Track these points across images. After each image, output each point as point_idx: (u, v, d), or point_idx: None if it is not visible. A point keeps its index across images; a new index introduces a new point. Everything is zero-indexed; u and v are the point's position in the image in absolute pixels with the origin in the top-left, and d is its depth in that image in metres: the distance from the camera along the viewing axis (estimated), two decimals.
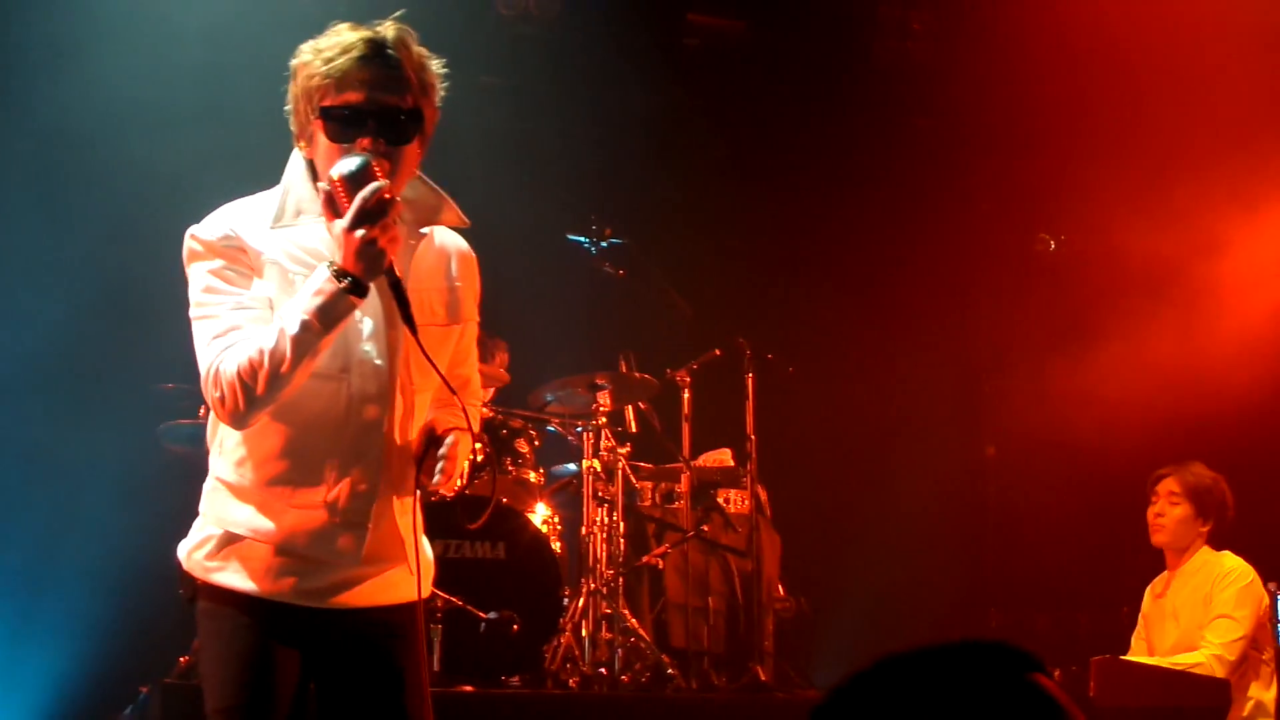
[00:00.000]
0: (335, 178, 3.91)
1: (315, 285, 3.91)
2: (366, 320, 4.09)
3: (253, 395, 3.91)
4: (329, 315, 3.89)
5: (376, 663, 4.19)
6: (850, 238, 11.92)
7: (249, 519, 4.09)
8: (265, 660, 4.09)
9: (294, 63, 4.13)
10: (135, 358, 9.65)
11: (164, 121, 9.96)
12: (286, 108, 4.17)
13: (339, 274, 3.88)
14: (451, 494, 4.24)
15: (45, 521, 9.73)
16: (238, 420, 3.99)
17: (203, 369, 4.00)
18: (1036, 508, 11.75)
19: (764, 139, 11.97)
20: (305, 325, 3.87)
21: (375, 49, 4.03)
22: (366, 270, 3.88)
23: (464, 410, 4.22)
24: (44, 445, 9.76)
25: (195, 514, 4.24)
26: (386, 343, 4.10)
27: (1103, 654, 8.12)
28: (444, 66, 4.20)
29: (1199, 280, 10.41)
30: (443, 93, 4.20)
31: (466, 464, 4.29)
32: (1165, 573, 8.32)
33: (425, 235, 4.25)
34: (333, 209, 3.94)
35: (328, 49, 4.05)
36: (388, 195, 3.88)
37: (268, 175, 4.29)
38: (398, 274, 3.98)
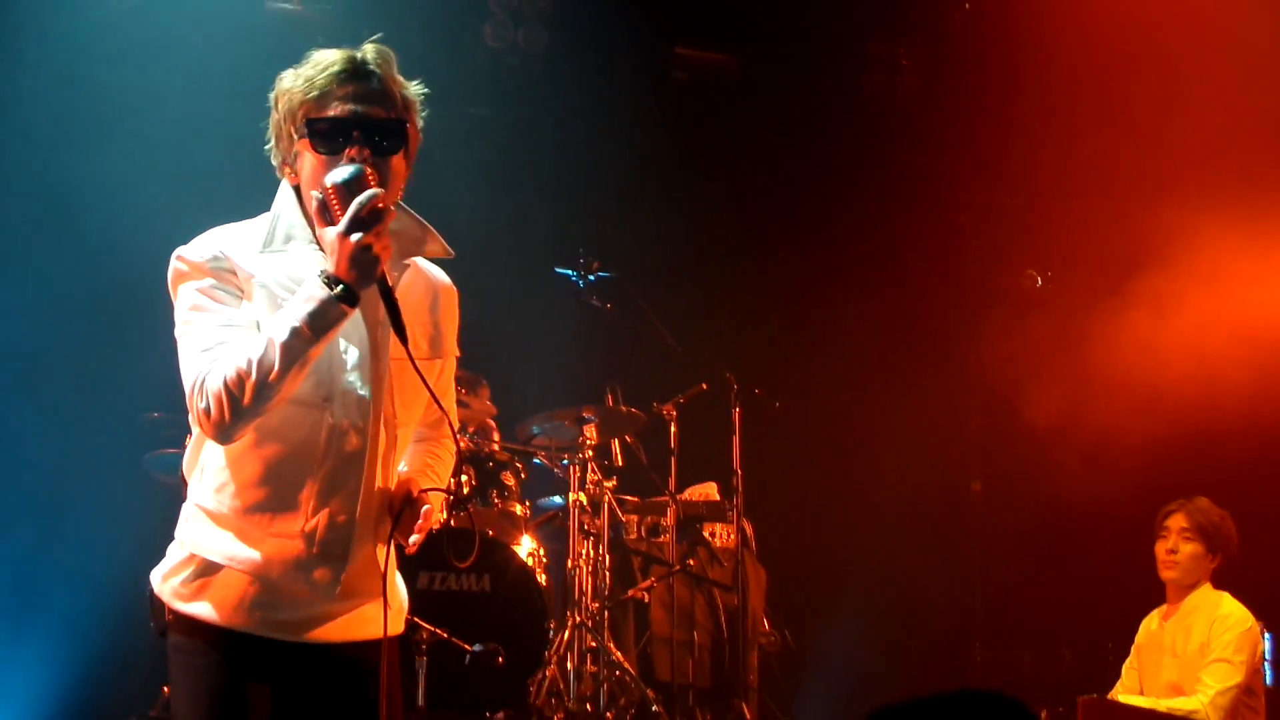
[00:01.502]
0: (329, 185, 3.90)
1: (306, 293, 3.86)
2: (352, 350, 4.04)
3: (239, 406, 3.82)
4: (319, 322, 3.83)
5: (349, 700, 4.14)
6: (838, 272, 11.92)
7: (226, 546, 4.02)
8: (236, 698, 4.03)
9: (274, 92, 4.12)
10: (121, 386, 9.64)
11: (153, 145, 9.99)
12: (267, 144, 4.18)
13: (331, 280, 3.84)
14: (412, 551, 4.18)
15: (28, 552, 9.69)
16: (223, 433, 3.89)
17: (188, 382, 3.93)
18: (1021, 543, 11.72)
19: (752, 173, 11.97)
20: (295, 332, 3.80)
21: (356, 65, 4.05)
22: (359, 277, 3.83)
23: (439, 459, 4.34)
24: (28, 474, 9.74)
25: None
26: (371, 374, 4.04)
27: (1088, 692, 8.09)
28: (431, 98, 4.21)
29: (1188, 315, 10.42)
30: (423, 117, 4.20)
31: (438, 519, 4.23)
32: (1164, 606, 8.30)
33: (409, 267, 4.22)
34: (325, 218, 3.93)
35: (308, 69, 4.07)
36: (381, 204, 3.85)
37: (255, 202, 4.27)
38: (389, 284, 3.94)
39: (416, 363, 4.04)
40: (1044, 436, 11.32)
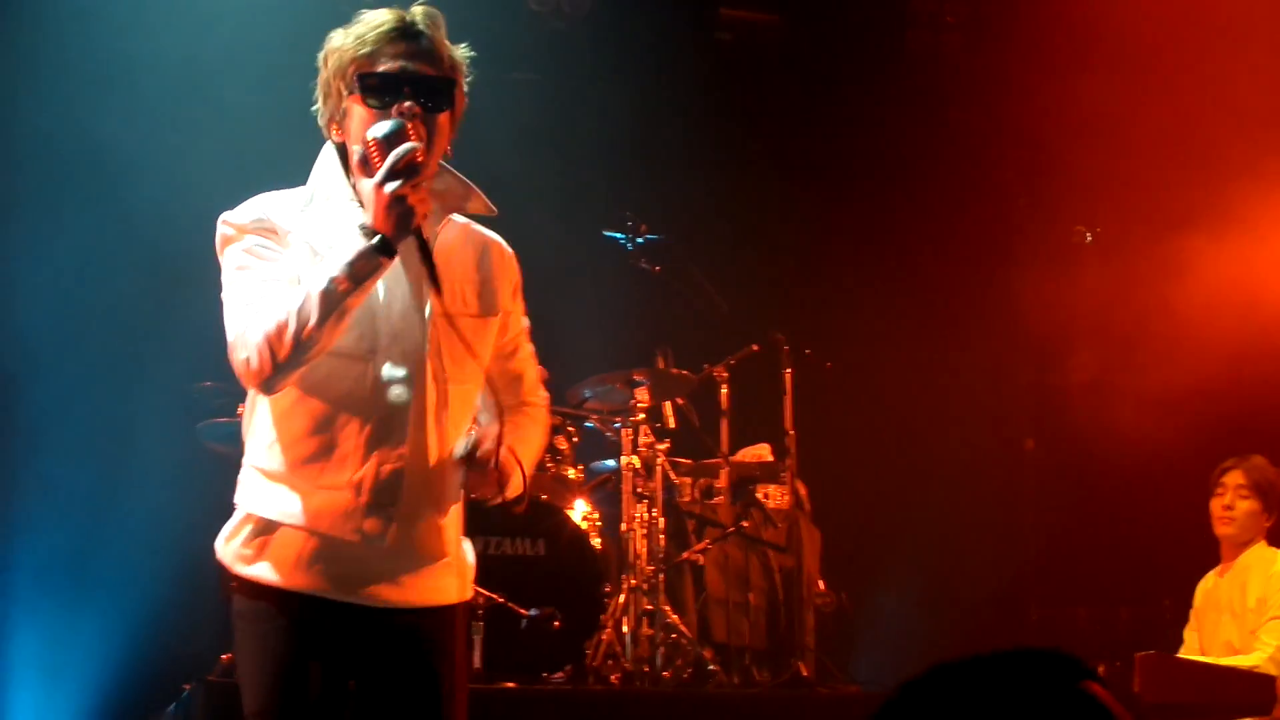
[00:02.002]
0: (370, 139, 3.97)
1: (344, 245, 3.92)
2: (395, 304, 4.10)
3: (278, 356, 3.89)
4: (356, 273, 3.87)
5: (413, 669, 4.15)
6: (886, 231, 11.87)
7: (279, 502, 4.09)
8: (300, 664, 4.06)
9: (323, 51, 4.19)
10: (174, 356, 9.67)
11: (200, 112, 10.02)
12: (314, 104, 4.24)
13: (368, 232, 3.90)
14: (496, 500, 4.20)
15: (88, 518, 9.75)
16: (265, 384, 3.97)
17: (230, 336, 4.00)
18: (1076, 501, 11.69)
19: (798, 133, 11.94)
20: (333, 282, 3.86)
21: (406, 25, 4.12)
22: (396, 227, 3.88)
23: (521, 425, 4.35)
24: (83, 445, 9.78)
25: (232, 513, 4.24)
26: (416, 327, 4.11)
27: (1145, 648, 8.08)
28: (477, 63, 4.29)
29: (1238, 270, 10.35)
30: (469, 82, 4.25)
31: (520, 471, 4.20)
32: (1219, 566, 8.27)
33: (457, 225, 4.27)
34: (366, 170, 4.01)
35: (359, 27, 4.13)
36: (420, 158, 3.91)
37: (303, 167, 4.31)
38: (425, 237, 3.98)
39: (466, 319, 4.13)
40: (1097, 393, 11.26)
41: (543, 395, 4.59)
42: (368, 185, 3.95)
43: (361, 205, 4.05)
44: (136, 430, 9.78)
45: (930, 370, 11.67)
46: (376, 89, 4.06)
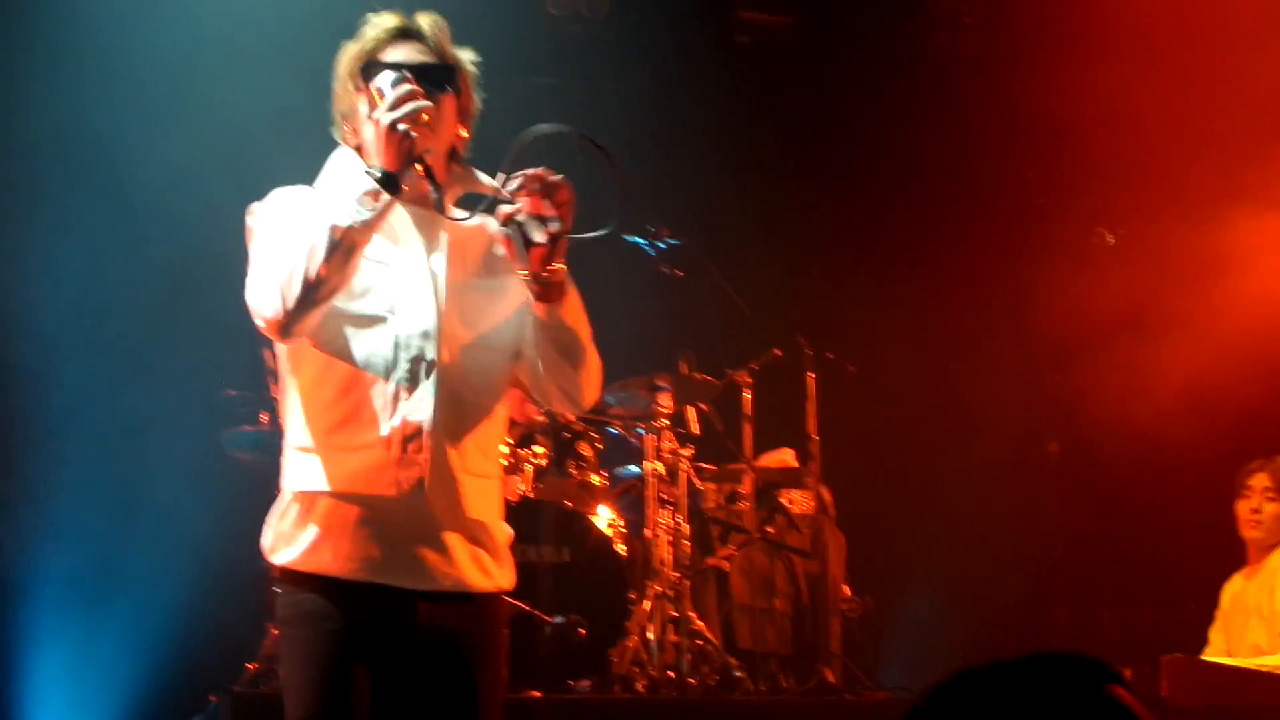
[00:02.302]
0: (373, 88, 4.15)
1: (349, 184, 4.06)
2: (408, 266, 4.23)
3: (291, 297, 3.98)
4: (362, 206, 3.99)
5: (452, 669, 4.18)
6: (907, 233, 11.85)
7: (317, 472, 4.15)
8: (344, 669, 4.09)
9: (338, 60, 4.38)
10: (198, 364, 9.68)
11: (220, 122, 10.02)
12: (332, 110, 4.43)
13: (371, 169, 4.05)
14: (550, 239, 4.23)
15: (112, 528, 9.77)
16: (283, 329, 4.07)
17: (248, 295, 4.14)
18: (1100, 503, 11.67)
19: (818, 135, 11.92)
20: (340, 216, 3.98)
21: (409, 27, 4.35)
22: (398, 156, 4.02)
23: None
24: (107, 452, 9.79)
25: (258, 521, 4.29)
26: (429, 287, 4.23)
27: (1171, 651, 8.07)
28: (496, 68, 4.61)
29: (1263, 269, 10.32)
30: (484, 88, 4.45)
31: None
32: (1245, 568, 8.25)
33: (474, 219, 4.33)
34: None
35: (365, 30, 4.35)
36: (421, 97, 4.08)
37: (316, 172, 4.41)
38: (429, 165, 4.12)
39: (474, 281, 4.32)
40: (1120, 395, 11.21)
41: None
42: (370, 129, 4.13)
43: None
44: (160, 439, 9.80)
45: (954, 373, 11.64)
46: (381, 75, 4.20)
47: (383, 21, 4.34)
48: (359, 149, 4.31)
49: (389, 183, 4.01)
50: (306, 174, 4.44)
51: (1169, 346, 10.70)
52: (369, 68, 4.25)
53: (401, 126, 4.00)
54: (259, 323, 4.11)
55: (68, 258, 9.81)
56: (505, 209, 4.13)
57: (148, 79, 10.06)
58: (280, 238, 4.10)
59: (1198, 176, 10.73)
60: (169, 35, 10.14)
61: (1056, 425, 12.23)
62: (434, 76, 4.23)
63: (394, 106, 4.02)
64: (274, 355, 4.42)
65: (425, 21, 4.34)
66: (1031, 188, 12.21)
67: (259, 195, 4.39)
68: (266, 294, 4.02)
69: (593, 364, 4.55)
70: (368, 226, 4.01)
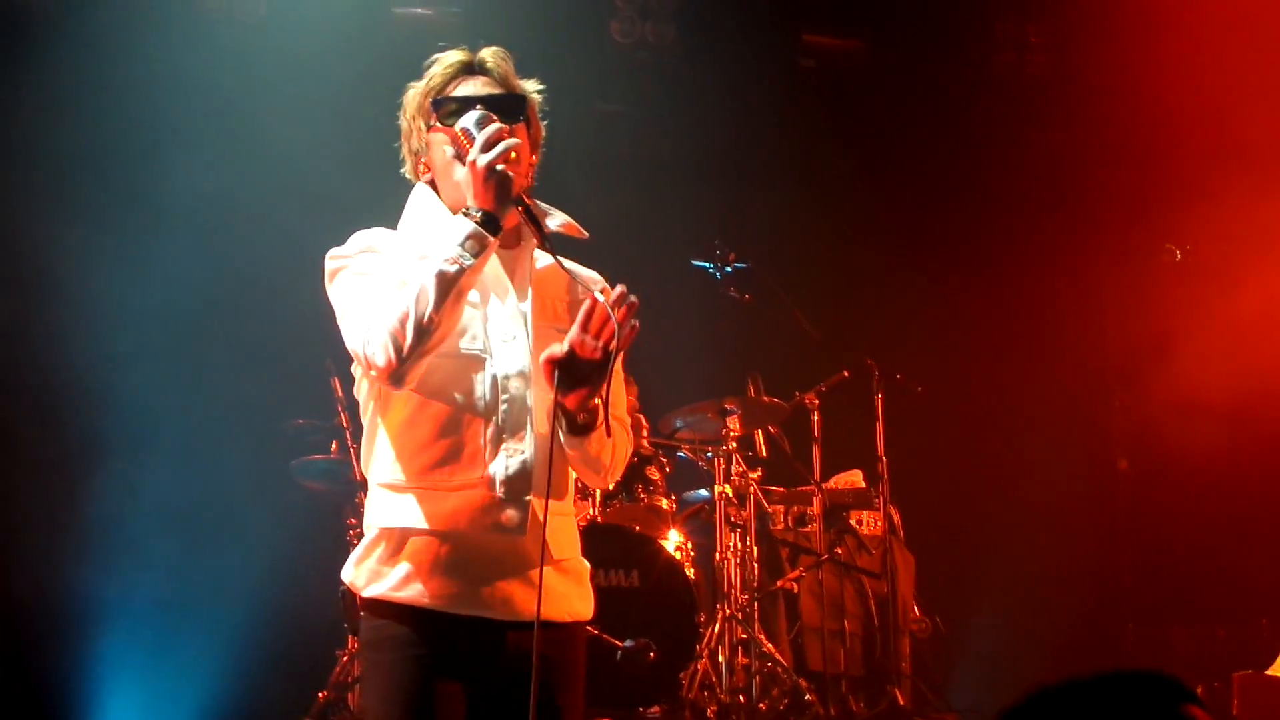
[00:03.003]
0: (457, 129, 4.11)
1: (450, 228, 4.02)
2: (500, 305, 4.19)
3: (403, 346, 3.95)
4: (466, 250, 3.96)
5: (538, 696, 4.07)
6: (974, 253, 11.84)
7: (412, 511, 4.12)
8: (428, 695, 4.07)
9: (404, 98, 4.37)
10: (267, 394, 9.77)
11: (288, 157, 10.12)
12: (401, 153, 4.42)
13: (470, 210, 4.01)
14: (598, 355, 4.05)
15: (182, 560, 9.83)
16: (395, 377, 4.02)
17: (354, 343, 4.08)
18: (1170, 520, 11.62)
19: (884, 158, 11.92)
20: (446, 262, 3.95)
21: (475, 63, 4.34)
22: (496, 197, 3.99)
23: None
24: (178, 482, 9.87)
25: (329, 550, 4.28)
26: (521, 327, 4.19)
27: (1243, 668, 8.03)
28: (562, 96, 4.51)
29: None
30: (549, 114, 4.40)
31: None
32: None
33: (547, 258, 4.27)
34: (461, 161, 4.12)
35: (431, 69, 4.34)
36: (508, 134, 4.04)
37: (392, 208, 4.41)
38: (529, 204, 4.10)
39: (554, 333, 4.17)
40: (1190, 412, 11.18)
41: (627, 439, 4.52)
42: (461, 172, 4.08)
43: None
44: (230, 467, 9.86)
45: (1022, 392, 11.62)
46: (453, 111, 4.23)
47: (448, 57, 4.33)
48: (432, 183, 4.32)
49: (490, 224, 3.99)
50: (377, 210, 4.46)
51: (1239, 361, 10.66)
52: (440, 104, 4.25)
53: (499, 167, 3.98)
54: (368, 372, 4.09)
55: (146, 292, 9.92)
56: (556, 350, 4.04)
57: (216, 114, 10.20)
58: (376, 284, 4.09)
59: (1270, 192, 10.69)
60: (248, 87, 10.32)
61: (1125, 442, 12.21)
62: (506, 108, 4.22)
63: (486, 147, 3.99)
64: (344, 386, 4.39)
65: (490, 54, 4.33)
66: (1099, 205, 12.18)
67: (329, 229, 4.43)
68: (376, 343, 3.98)
69: (616, 467, 4.45)
70: (474, 270, 3.99)
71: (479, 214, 3.99)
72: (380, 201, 4.52)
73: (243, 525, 9.77)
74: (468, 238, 3.97)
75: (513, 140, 4.02)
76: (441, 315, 3.94)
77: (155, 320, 9.92)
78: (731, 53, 11.31)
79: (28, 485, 9.84)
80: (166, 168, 9.96)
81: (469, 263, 3.96)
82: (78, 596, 9.79)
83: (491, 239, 4.00)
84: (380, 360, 3.97)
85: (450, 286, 3.94)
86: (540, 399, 4.16)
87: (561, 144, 4.44)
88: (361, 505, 4.34)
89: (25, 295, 9.89)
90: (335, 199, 9.33)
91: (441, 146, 4.25)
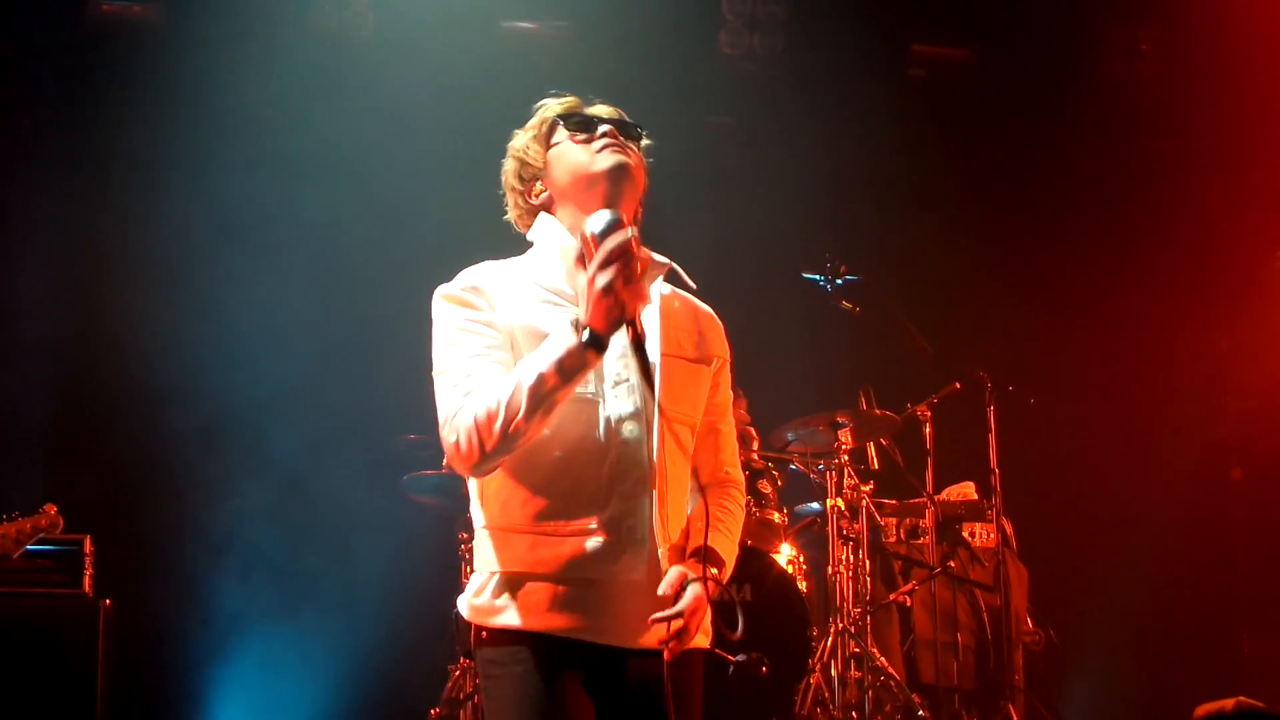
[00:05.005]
0: (586, 234, 3.89)
1: (556, 338, 3.90)
2: (616, 343, 4.01)
3: (487, 445, 3.92)
4: (566, 370, 3.86)
5: (657, 712, 4.11)
6: (1086, 263, 11.76)
7: (526, 556, 4.10)
8: (556, 703, 4.06)
9: (508, 148, 4.42)
10: (380, 409, 9.84)
11: (398, 176, 10.22)
12: (506, 199, 4.45)
13: (578, 326, 3.86)
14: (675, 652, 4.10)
15: (294, 573, 9.93)
16: (475, 470, 4.00)
17: (440, 415, 4.04)
18: None
19: (995, 167, 11.86)
20: (541, 379, 3.86)
21: (588, 99, 4.41)
22: (607, 321, 3.83)
23: (729, 512, 4.40)
24: (288, 495, 9.98)
25: (440, 564, 4.29)
26: (635, 367, 4.06)
27: None
28: (672, 108, 4.63)
29: None
30: (658, 132, 4.43)
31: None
32: None
33: (664, 287, 4.33)
34: (583, 264, 3.93)
35: (547, 104, 4.40)
36: (635, 248, 3.86)
37: (502, 228, 4.46)
38: (639, 330, 3.93)
39: (682, 362, 4.26)
40: None
41: (740, 473, 4.60)
42: (582, 280, 3.88)
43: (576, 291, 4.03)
44: (343, 483, 9.95)
45: (1135, 402, 11.55)
46: (580, 124, 4.30)
47: (565, 96, 4.42)
48: (549, 205, 4.34)
49: (597, 344, 3.85)
50: (488, 227, 4.52)
51: None
52: (565, 117, 4.31)
53: (615, 288, 3.80)
54: (448, 452, 4.04)
55: (264, 313, 10.05)
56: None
57: (333, 136, 10.32)
58: (473, 358, 4.09)
59: None
60: (354, 105, 10.45)
61: (1240, 451, 12.10)
62: (628, 131, 4.29)
63: (605, 263, 3.82)
64: None
65: (600, 104, 4.40)
66: (1212, 214, 12.08)
67: (433, 254, 4.44)
68: (460, 434, 3.96)
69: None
70: (570, 386, 3.90)
71: (588, 334, 3.85)
72: (491, 217, 4.52)
73: (356, 540, 9.85)
74: (569, 354, 3.86)
75: (635, 257, 3.85)
76: (530, 425, 3.90)
77: (273, 338, 10.04)
78: (840, 63, 11.27)
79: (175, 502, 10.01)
80: (278, 186, 10.08)
81: (569, 380, 3.89)
82: (204, 607, 9.92)
83: (594, 356, 3.88)
84: (463, 449, 3.97)
85: (545, 399, 3.88)
86: (659, 438, 4.14)
87: (670, 156, 4.44)
88: (472, 520, 4.31)
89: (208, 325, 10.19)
90: (444, 218, 9.41)
91: (566, 165, 4.26)
